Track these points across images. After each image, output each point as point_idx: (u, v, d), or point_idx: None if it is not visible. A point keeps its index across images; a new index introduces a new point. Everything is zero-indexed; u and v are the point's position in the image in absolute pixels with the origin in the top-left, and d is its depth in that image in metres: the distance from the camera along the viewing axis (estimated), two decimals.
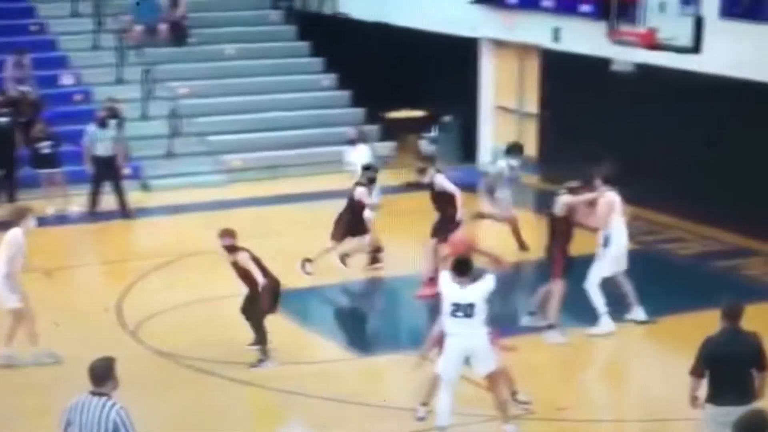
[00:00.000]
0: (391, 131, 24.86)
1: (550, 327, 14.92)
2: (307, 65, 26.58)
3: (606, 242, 15.11)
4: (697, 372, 10.49)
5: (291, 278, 17.01)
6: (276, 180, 22.96)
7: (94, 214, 20.65)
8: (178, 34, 25.92)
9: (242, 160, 23.53)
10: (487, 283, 11.95)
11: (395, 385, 13.92)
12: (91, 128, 20.76)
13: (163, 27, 25.67)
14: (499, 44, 23.81)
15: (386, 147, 24.45)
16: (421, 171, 17.03)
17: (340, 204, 17.70)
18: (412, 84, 24.76)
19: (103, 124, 20.79)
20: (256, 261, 14.17)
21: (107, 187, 20.70)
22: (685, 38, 17.32)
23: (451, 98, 24.29)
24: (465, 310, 11.84)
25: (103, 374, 9.02)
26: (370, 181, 17.44)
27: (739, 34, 18.61)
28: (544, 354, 14.65)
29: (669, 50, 17.80)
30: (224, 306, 15.86)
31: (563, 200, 14.94)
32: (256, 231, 19.61)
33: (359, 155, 19.09)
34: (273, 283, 14.18)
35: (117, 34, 25.15)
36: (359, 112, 25.39)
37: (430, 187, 16.84)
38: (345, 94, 25.88)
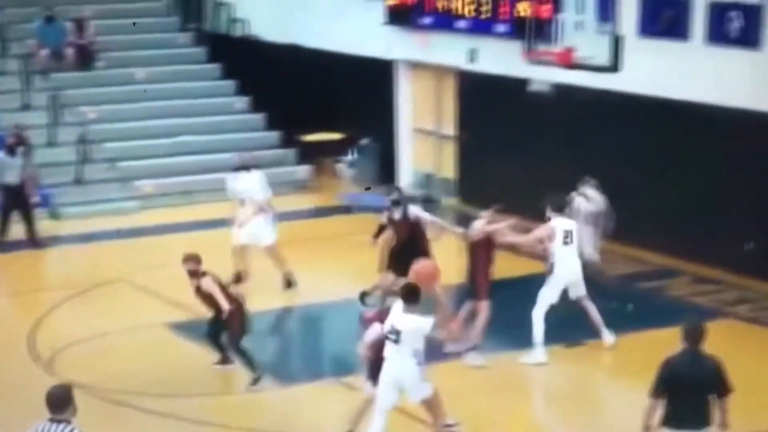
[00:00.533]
0: (308, 154, 24.59)
1: (473, 348, 14.72)
2: (219, 88, 26.22)
3: (551, 269, 14.96)
4: (656, 393, 10.18)
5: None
6: (190, 206, 22.53)
7: (2, 244, 20.05)
8: (86, 58, 25.44)
9: (154, 185, 23.07)
10: (423, 324, 11.79)
11: (318, 414, 13.56)
12: None
13: (69, 51, 25.17)
14: (414, 65, 23.66)
15: (303, 170, 24.17)
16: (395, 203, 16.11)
17: None
18: (329, 106, 24.50)
19: (11, 151, 20.21)
20: (220, 285, 14.09)
21: (16, 216, 20.11)
22: (604, 57, 17.24)
23: (368, 121, 24.10)
24: (396, 335, 11.75)
25: (62, 401, 9.08)
26: (396, 204, 16.16)
27: (657, 52, 18.65)
28: (471, 378, 14.42)
29: (587, 69, 17.72)
30: (140, 335, 15.51)
31: (477, 227, 14.82)
32: (170, 258, 19.24)
33: (251, 182, 17.88)
34: (238, 306, 14.06)
35: (22, 59, 24.59)
36: (274, 135, 25.07)
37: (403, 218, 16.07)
38: (259, 117, 25.55)
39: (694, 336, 10.19)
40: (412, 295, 11.88)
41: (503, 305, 15.00)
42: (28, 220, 20.04)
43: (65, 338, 15.59)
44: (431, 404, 12.21)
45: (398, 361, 11.77)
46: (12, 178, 20.00)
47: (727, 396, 10.18)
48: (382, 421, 11.88)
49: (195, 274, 14.12)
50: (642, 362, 12.20)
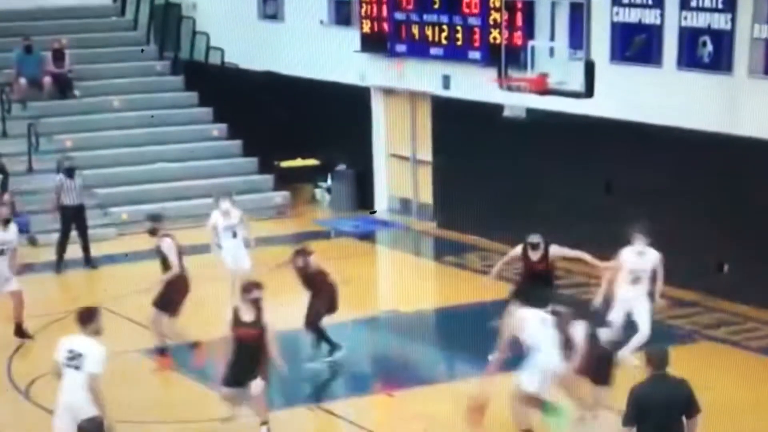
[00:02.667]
0: (284, 181, 24.67)
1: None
2: (196, 115, 26.30)
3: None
4: (628, 422, 10.19)
5: (191, 332, 16.71)
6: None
7: None
8: (63, 87, 25.50)
9: (131, 212, 23.08)
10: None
11: None
12: None
13: (47, 80, 25.22)
14: (389, 92, 23.80)
15: (280, 196, 24.25)
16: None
17: None
18: (305, 133, 24.63)
19: None
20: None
21: None
22: (577, 83, 17.40)
23: (344, 146, 24.22)
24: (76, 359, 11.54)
25: None
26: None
27: (629, 77, 18.85)
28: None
29: (561, 95, 17.88)
30: (116, 362, 15.40)
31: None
32: (147, 284, 19.28)
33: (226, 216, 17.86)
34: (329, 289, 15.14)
35: (0, 88, 24.63)
36: (251, 161, 25.16)
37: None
38: (235, 144, 25.63)
39: (660, 360, 10.23)
40: (83, 317, 11.69)
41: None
42: None
43: (42, 366, 15.50)
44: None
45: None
46: None
47: (696, 416, 10.24)
48: None
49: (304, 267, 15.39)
50: (622, 382, 12.26)
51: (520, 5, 19.21)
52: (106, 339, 16.28)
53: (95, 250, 21.15)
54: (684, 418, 10.21)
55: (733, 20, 17.50)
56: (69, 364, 11.54)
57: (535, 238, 15.55)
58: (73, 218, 20.59)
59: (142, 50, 27.53)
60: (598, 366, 12.91)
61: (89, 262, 20.66)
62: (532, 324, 12.68)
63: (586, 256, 15.63)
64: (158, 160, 24.63)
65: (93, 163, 23.94)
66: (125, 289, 18.87)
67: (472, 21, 21.16)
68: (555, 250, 15.66)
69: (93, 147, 24.48)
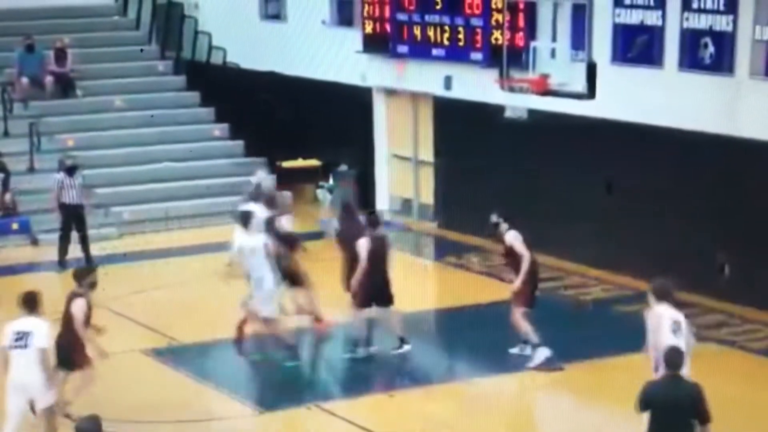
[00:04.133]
0: (286, 181, 24.63)
1: None
2: (198, 115, 26.32)
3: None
4: (637, 409, 10.46)
5: (192, 332, 16.76)
6: (169, 232, 22.58)
7: None
8: (65, 86, 25.51)
9: (133, 212, 23.11)
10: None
11: None
12: None
13: (49, 79, 25.24)
14: (391, 92, 23.81)
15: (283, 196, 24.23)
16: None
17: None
18: (307, 133, 24.65)
19: None
20: None
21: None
22: (578, 84, 17.39)
23: (346, 147, 24.22)
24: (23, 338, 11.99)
25: None
26: None
27: (631, 79, 18.85)
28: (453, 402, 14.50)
29: (562, 96, 17.87)
30: (118, 362, 15.46)
31: None
32: (150, 284, 19.34)
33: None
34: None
35: (1, 87, 24.65)
36: (252, 161, 25.15)
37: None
38: (237, 144, 25.65)
39: (674, 363, 10.46)
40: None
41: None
42: None
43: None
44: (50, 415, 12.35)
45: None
46: None
47: (707, 425, 10.36)
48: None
49: None
50: (623, 385, 12.30)
51: (521, 6, 19.22)
52: (107, 339, 16.44)
53: (98, 250, 21.15)
54: (697, 423, 10.32)
55: (734, 22, 17.50)
56: (17, 345, 11.94)
57: None
58: (72, 217, 20.57)
59: (141, 50, 27.51)
60: None
61: (89, 261, 20.63)
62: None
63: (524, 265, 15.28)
64: (160, 160, 24.64)
65: (94, 162, 23.96)
66: (125, 289, 18.89)
67: (474, 22, 21.17)
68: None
69: (94, 146, 24.48)
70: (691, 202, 18.32)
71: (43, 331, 11.98)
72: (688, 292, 17.98)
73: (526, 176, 20.61)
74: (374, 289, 15.42)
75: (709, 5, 17.77)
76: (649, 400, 10.31)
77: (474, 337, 15.00)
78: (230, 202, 21.08)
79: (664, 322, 11.86)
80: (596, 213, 19.39)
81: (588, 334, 16.44)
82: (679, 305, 12.22)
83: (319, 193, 24.87)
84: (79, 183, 20.63)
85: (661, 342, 11.57)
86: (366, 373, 15.74)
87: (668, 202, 18.60)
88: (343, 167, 24.41)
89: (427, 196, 23.24)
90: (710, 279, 17.98)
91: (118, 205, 23.19)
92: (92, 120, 25.16)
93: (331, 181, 24.47)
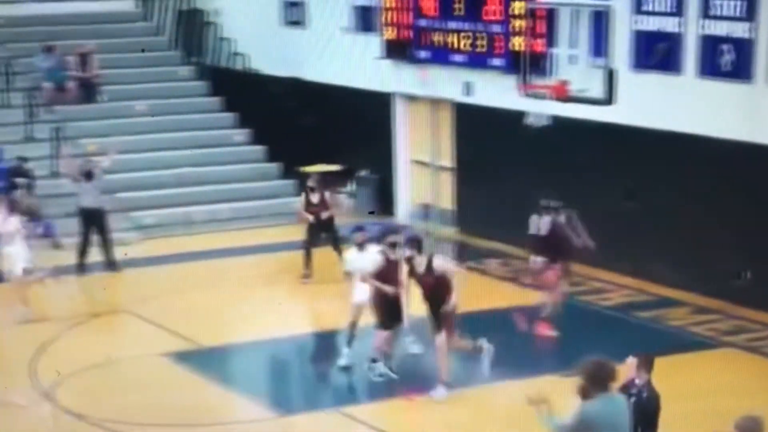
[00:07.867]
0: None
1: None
2: (220, 120, 26.45)
3: None
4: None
5: (214, 336, 16.88)
6: (190, 236, 22.71)
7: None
8: (89, 92, 25.68)
9: (154, 216, 23.26)
10: None
11: None
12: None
13: (72, 85, 25.41)
14: (412, 98, 23.89)
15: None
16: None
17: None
18: (328, 138, 24.75)
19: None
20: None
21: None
22: (597, 90, 17.47)
23: (366, 152, 24.32)
24: None
25: None
26: None
27: (650, 85, 18.90)
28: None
29: (581, 102, 17.95)
30: (140, 365, 15.60)
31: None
32: (170, 288, 19.47)
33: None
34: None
35: (26, 92, 24.85)
36: (274, 167, 25.31)
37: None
38: (259, 150, 25.78)
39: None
40: None
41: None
42: None
43: (65, 367, 15.67)
44: None
45: None
46: None
47: None
48: None
49: None
50: None
51: (542, 13, 19.29)
52: (128, 342, 16.58)
53: (119, 254, 21.19)
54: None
55: (753, 29, 17.53)
56: None
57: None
58: (92, 221, 20.68)
59: (156, 54, 27.66)
60: None
61: (111, 265, 20.79)
62: None
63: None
64: (181, 165, 24.79)
65: (116, 167, 24.05)
66: (147, 293, 19.03)
67: (495, 28, 21.23)
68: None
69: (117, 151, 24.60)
70: (710, 208, 18.34)
71: None
72: (708, 297, 18.09)
73: (546, 182, 20.63)
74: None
75: (728, 12, 17.80)
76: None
77: (495, 343, 15.01)
78: (251, 207, 21.25)
79: None
80: (617, 218, 19.41)
81: (608, 339, 16.47)
82: None
83: (339, 197, 24.92)
84: (97, 187, 20.72)
85: None
86: (387, 378, 15.82)
87: (687, 207, 18.62)
88: (364, 172, 24.51)
89: (447, 202, 23.32)
90: (729, 285, 18.00)
91: (140, 210, 23.33)
92: (114, 125, 25.28)
93: (351, 186, 24.56)
